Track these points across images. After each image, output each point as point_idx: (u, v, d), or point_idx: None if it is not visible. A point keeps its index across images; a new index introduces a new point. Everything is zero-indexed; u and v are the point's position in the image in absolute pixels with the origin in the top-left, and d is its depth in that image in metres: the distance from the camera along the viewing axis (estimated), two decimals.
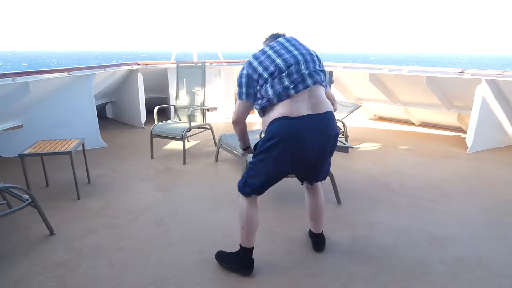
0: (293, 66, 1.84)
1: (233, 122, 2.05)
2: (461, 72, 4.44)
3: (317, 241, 2.31)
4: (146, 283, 1.98)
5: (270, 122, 1.88)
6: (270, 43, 1.98)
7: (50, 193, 3.19)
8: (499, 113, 4.43)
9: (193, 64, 4.53)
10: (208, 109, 4.44)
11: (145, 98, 5.59)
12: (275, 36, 2.06)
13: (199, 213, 2.82)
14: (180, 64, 4.50)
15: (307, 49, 1.96)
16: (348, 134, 4.36)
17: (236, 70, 6.21)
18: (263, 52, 1.93)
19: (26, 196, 2.33)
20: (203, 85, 4.37)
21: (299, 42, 2.00)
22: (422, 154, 4.32)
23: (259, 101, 1.92)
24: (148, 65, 5.51)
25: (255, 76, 1.89)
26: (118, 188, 3.29)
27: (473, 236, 2.48)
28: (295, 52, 1.89)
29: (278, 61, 1.85)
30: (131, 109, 5.71)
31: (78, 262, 2.17)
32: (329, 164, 2.14)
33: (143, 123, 5.57)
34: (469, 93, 4.47)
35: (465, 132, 5.06)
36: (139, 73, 5.33)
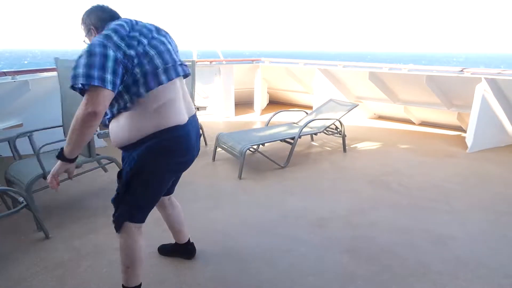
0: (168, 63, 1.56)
1: (93, 113, 1.34)
2: (461, 70, 4.44)
3: (190, 249, 2.19)
4: (146, 283, 1.97)
5: (158, 133, 1.53)
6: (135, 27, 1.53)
7: (49, 192, 3.18)
8: (499, 112, 4.43)
9: None
10: (198, 109, 4.43)
11: None
12: (102, 10, 1.59)
13: (198, 212, 2.82)
14: None
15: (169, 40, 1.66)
16: (345, 133, 4.35)
17: (236, 69, 6.18)
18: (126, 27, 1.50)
19: (21, 199, 2.32)
20: (193, 84, 4.36)
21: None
22: (422, 154, 4.32)
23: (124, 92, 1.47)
24: None
25: (121, 59, 1.41)
26: None
27: (473, 236, 2.49)
28: (169, 46, 1.61)
29: (152, 52, 1.51)
30: None
31: (78, 262, 2.17)
32: None
33: None
34: (469, 92, 4.47)
35: (465, 131, 5.06)
36: None
